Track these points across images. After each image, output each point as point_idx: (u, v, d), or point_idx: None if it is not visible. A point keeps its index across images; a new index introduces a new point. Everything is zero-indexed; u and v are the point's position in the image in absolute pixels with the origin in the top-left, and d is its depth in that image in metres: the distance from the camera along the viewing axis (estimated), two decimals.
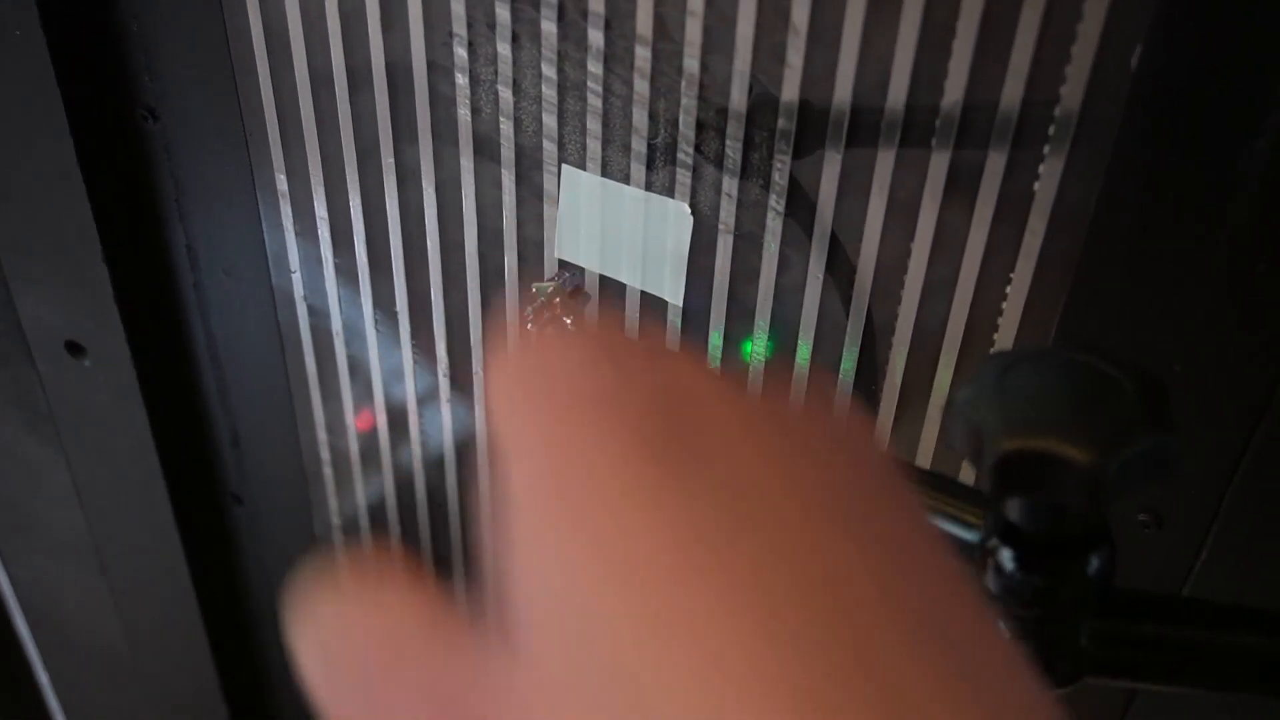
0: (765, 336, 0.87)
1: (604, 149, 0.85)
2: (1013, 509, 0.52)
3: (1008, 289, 0.76)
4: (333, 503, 1.22)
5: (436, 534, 1.17)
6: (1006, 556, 0.52)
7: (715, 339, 0.89)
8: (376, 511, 1.20)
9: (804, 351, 0.86)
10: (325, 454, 1.18)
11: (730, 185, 0.82)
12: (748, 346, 0.88)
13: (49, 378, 1.22)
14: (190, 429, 1.25)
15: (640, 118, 0.82)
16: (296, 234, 1.04)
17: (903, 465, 0.60)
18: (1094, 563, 0.52)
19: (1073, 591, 0.52)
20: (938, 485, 0.59)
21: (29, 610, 1.56)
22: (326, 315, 1.07)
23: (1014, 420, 0.48)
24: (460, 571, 1.19)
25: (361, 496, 1.20)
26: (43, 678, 1.65)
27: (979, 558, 0.54)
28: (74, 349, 1.17)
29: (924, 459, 0.86)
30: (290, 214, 1.03)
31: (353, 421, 1.14)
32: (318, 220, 1.01)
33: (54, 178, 1.04)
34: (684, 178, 0.83)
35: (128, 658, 1.50)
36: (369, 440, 1.15)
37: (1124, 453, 0.46)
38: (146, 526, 1.29)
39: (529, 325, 0.78)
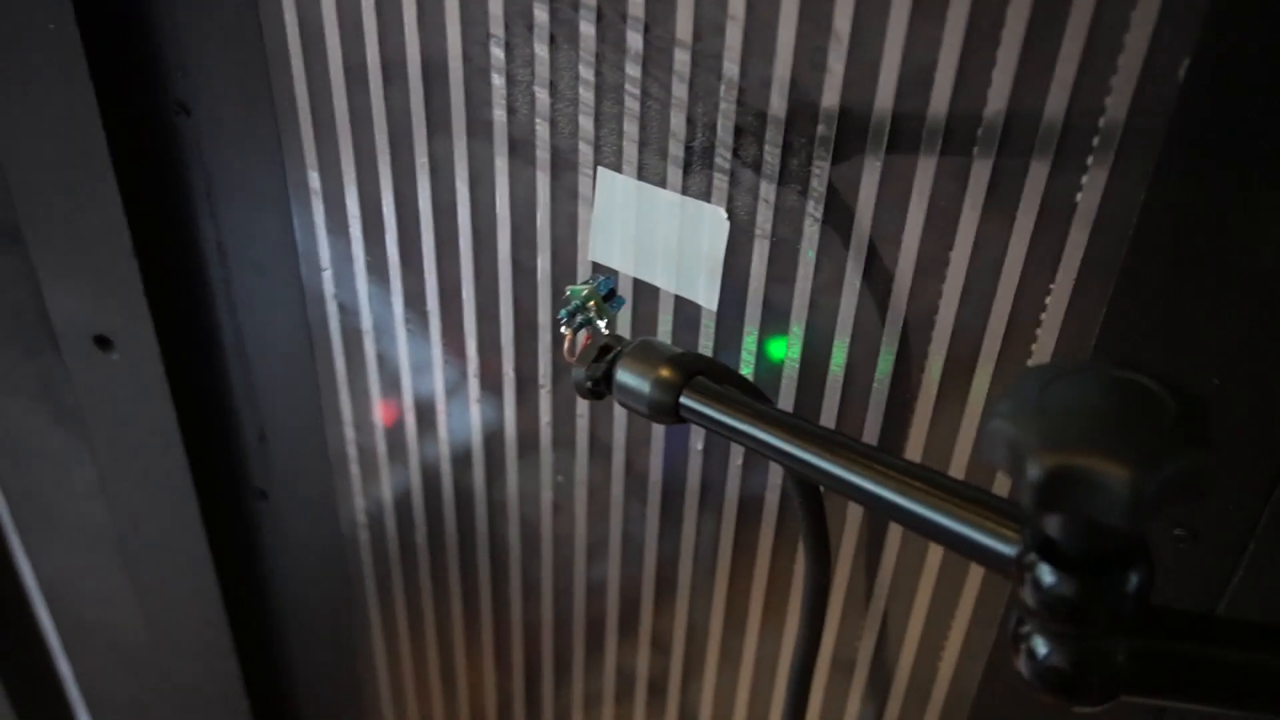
0: (800, 343, 0.87)
1: (640, 152, 0.85)
2: (1051, 525, 0.52)
3: (1047, 299, 0.76)
4: (358, 499, 1.22)
5: (463, 532, 1.17)
6: (1044, 571, 0.52)
7: (749, 344, 0.89)
8: (402, 508, 1.20)
9: (839, 358, 0.86)
10: (352, 450, 1.18)
11: (768, 190, 0.81)
12: (780, 351, 0.88)
13: (77, 371, 1.22)
14: (217, 424, 1.25)
15: (678, 121, 0.82)
16: (328, 231, 1.04)
17: (938, 476, 0.60)
18: (1132, 580, 0.52)
19: (1110, 608, 0.52)
20: (974, 498, 0.58)
21: (52, 602, 1.56)
22: (356, 313, 1.07)
23: (1053, 436, 0.47)
24: (486, 568, 1.19)
25: (387, 493, 1.20)
26: (65, 669, 1.66)
27: (1015, 572, 0.54)
28: (102, 343, 1.17)
29: (958, 468, 0.85)
30: (322, 211, 1.03)
31: (380, 419, 1.14)
32: (349, 218, 1.01)
33: (86, 172, 1.04)
34: (721, 182, 0.83)
35: (150, 650, 1.50)
36: (395, 437, 1.15)
37: (1164, 471, 0.45)
38: (171, 520, 1.29)
39: (562, 328, 0.78)
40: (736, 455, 0.96)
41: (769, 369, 0.90)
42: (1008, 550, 0.55)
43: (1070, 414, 0.48)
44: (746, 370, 0.90)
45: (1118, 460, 0.45)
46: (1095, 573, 0.51)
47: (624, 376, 0.74)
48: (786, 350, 0.88)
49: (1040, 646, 0.55)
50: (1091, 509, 0.46)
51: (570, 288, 0.78)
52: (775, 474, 0.96)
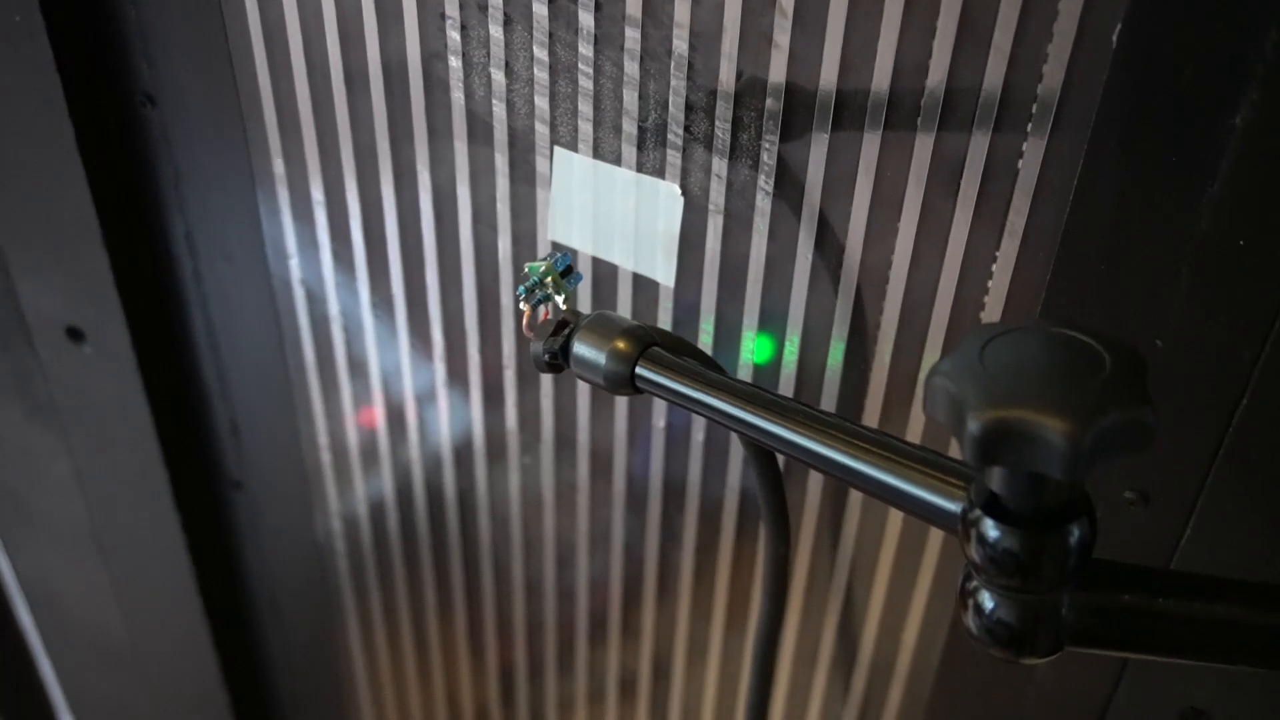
0: (756, 315, 0.88)
1: (595, 130, 0.86)
2: (994, 480, 0.53)
3: (993, 266, 0.77)
4: (332, 487, 1.23)
5: (435, 518, 1.18)
6: (989, 527, 0.53)
7: (707, 318, 0.90)
8: (376, 495, 1.21)
9: (795, 329, 0.87)
10: (323, 438, 1.19)
11: (720, 166, 0.82)
12: (738, 324, 0.89)
13: (50, 364, 1.22)
14: (190, 415, 1.26)
15: (631, 99, 0.83)
16: (294, 219, 1.04)
17: (886, 438, 0.61)
18: (1074, 533, 0.53)
19: (1054, 562, 0.53)
20: (921, 458, 0.60)
21: (31, 599, 1.56)
22: (324, 300, 1.08)
23: (992, 391, 0.48)
24: (458, 554, 1.20)
25: (361, 480, 1.20)
26: (45, 666, 1.66)
27: (962, 528, 0.55)
28: (74, 335, 1.18)
29: (914, 433, 0.87)
30: (287, 199, 1.03)
31: (351, 406, 1.15)
32: (314, 205, 1.02)
33: (54, 164, 1.04)
34: (674, 159, 0.84)
35: (129, 645, 1.50)
36: (366, 423, 1.15)
37: (1101, 422, 0.46)
38: (147, 513, 1.30)
39: (521, 304, 0.79)
40: (699, 429, 0.97)
41: (727, 342, 0.91)
42: (954, 507, 0.56)
43: (1009, 370, 0.49)
44: (705, 343, 0.91)
45: (1055, 413, 0.46)
46: (1038, 527, 0.52)
47: (580, 349, 0.75)
48: (744, 323, 0.89)
49: (987, 601, 0.56)
50: (1030, 462, 0.47)
51: (529, 265, 0.79)
52: (743, 469, 0.97)
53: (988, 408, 0.48)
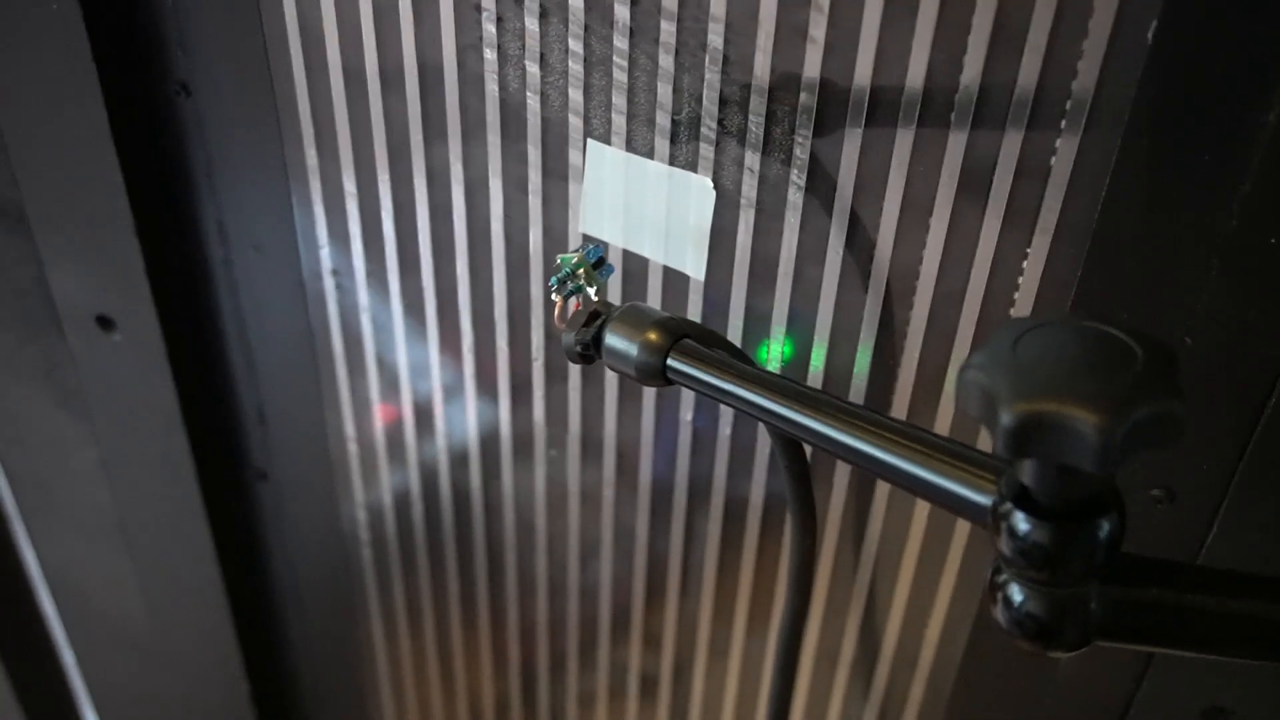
0: (786, 310, 0.88)
1: (629, 124, 0.86)
2: (1024, 472, 0.53)
3: (1024, 263, 0.77)
4: (357, 478, 1.23)
5: (460, 509, 1.19)
6: (1019, 520, 0.53)
7: (737, 311, 0.90)
8: (400, 487, 1.21)
9: (825, 323, 0.87)
10: (350, 429, 1.20)
11: (752, 160, 0.83)
12: (768, 317, 0.89)
13: (79, 352, 1.23)
14: (217, 404, 1.27)
15: (665, 92, 0.84)
16: (325, 210, 1.05)
17: (917, 431, 0.61)
18: (1104, 527, 0.53)
19: (1083, 555, 0.53)
20: (952, 450, 0.60)
21: (55, 588, 1.57)
22: (353, 291, 1.08)
23: (1024, 384, 0.49)
24: (482, 544, 1.20)
25: (386, 471, 1.21)
26: (67, 654, 1.66)
27: (992, 521, 0.55)
28: (104, 323, 1.18)
29: (943, 427, 0.87)
30: (320, 189, 1.04)
31: (378, 397, 1.15)
32: (346, 196, 1.03)
33: (87, 152, 1.05)
34: (707, 152, 0.84)
35: (151, 635, 1.51)
36: (393, 414, 1.16)
37: (1132, 415, 0.46)
38: (172, 502, 1.30)
39: (553, 295, 0.79)
40: (726, 424, 0.98)
41: (757, 336, 0.91)
42: (984, 500, 0.57)
43: (1041, 364, 0.50)
44: (735, 337, 0.92)
45: (1087, 406, 0.47)
46: (1068, 520, 0.53)
47: (612, 340, 0.75)
48: (773, 318, 0.89)
49: (1016, 594, 0.56)
50: (1062, 455, 0.48)
51: (560, 256, 0.80)
52: (768, 470, 0.97)
53: (1020, 400, 0.48)
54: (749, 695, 1.14)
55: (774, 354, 0.91)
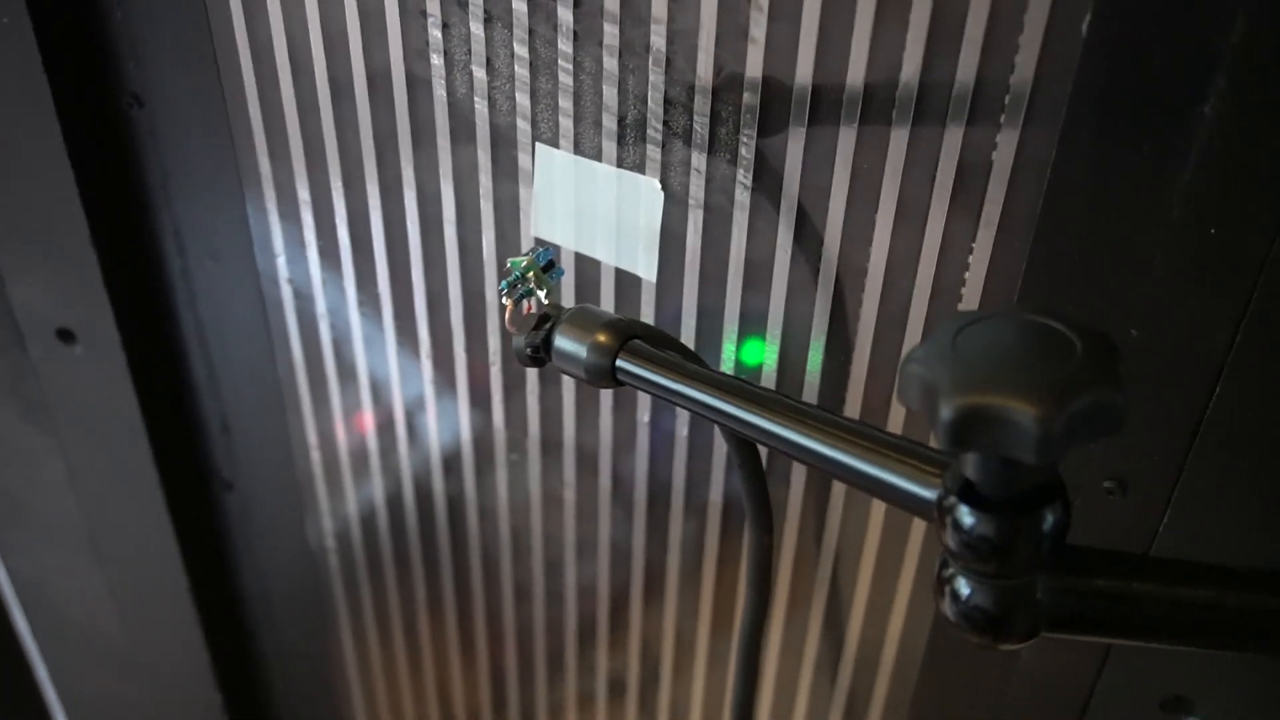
0: (738, 309, 0.88)
1: (576, 126, 0.87)
2: (967, 465, 0.53)
3: (970, 257, 0.77)
4: (322, 486, 1.23)
5: (424, 513, 1.18)
6: (963, 512, 0.54)
7: (689, 312, 0.90)
8: (366, 493, 1.21)
9: (776, 322, 0.88)
10: (314, 438, 1.20)
11: (699, 160, 0.83)
12: (720, 317, 0.90)
13: (41, 365, 1.22)
14: (181, 415, 1.26)
15: (610, 95, 0.84)
16: (281, 218, 1.05)
17: (863, 427, 0.61)
18: (1048, 518, 0.53)
19: (1028, 546, 0.53)
20: (897, 445, 0.60)
21: (25, 600, 1.56)
22: (311, 298, 1.08)
23: (964, 377, 0.49)
24: (446, 547, 1.20)
25: (351, 479, 1.21)
26: (40, 667, 1.66)
27: (937, 515, 0.55)
28: (65, 336, 1.18)
29: (895, 423, 0.87)
30: (274, 198, 1.04)
31: (340, 404, 1.15)
32: (301, 204, 1.03)
33: (42, 165, 1.05)
34: (654, 154, 0.84)
35: (124, 646, 1.50)
36: (355, 422, 1.16)
37: (1070, 406, 0.47)
38: (139, 513, 1.30)
39: (503, 299, 0.80)
40: (684, 424, 0.98)
41: (710, 335, 0.91)
42: (930, 494, 0.57)
43: (981, 357, 0.50)
44: (688, 337, 0.92)
45: (1025, 398, 0.47)
46: (1012, 512, 0.53)
47: (562, 342, 0.76)
48: (725, 316, 0.89)
49: (964, 587, 0.56)
50: (1003, 447, 0.48)
51: (511, 260, 0.80)
52: (726, 469, 0.97)
53: (959, 393, 0.48)
54: (715, 695, 1.14)
55: (728, 353, 0.91)
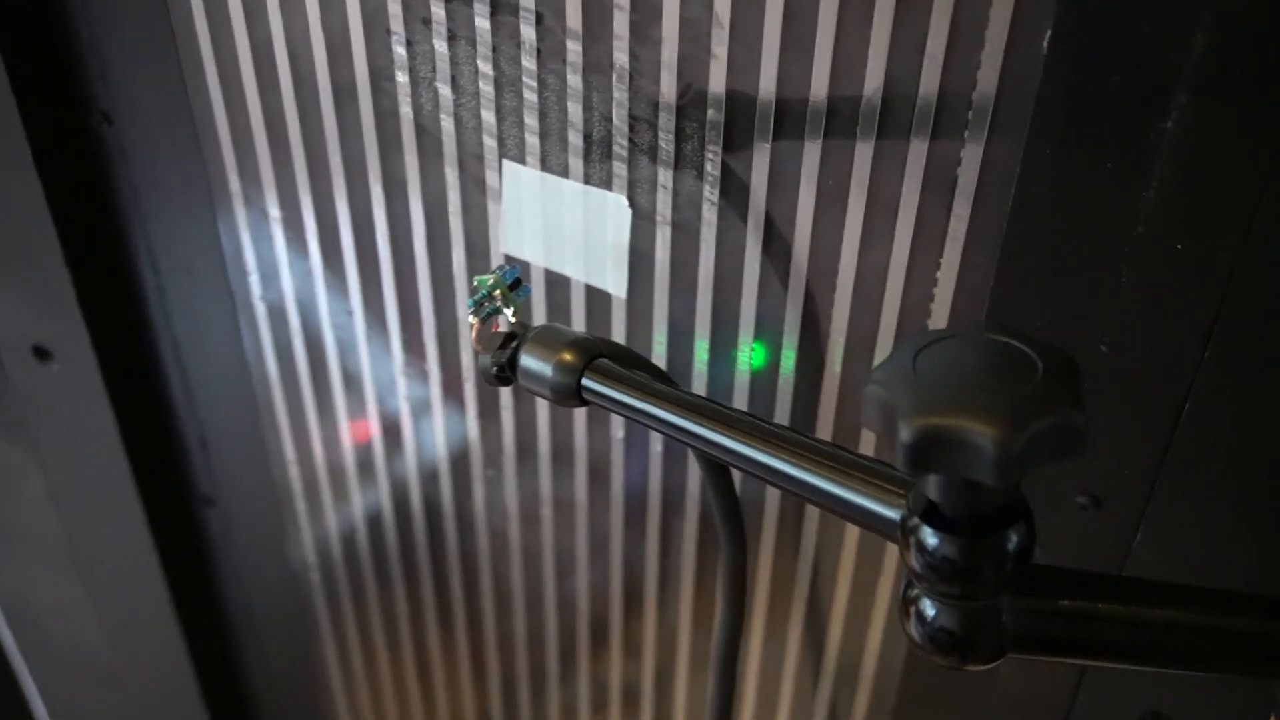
0: (708, 325, 0.88)
1: (542, 143, 0.86)
2: (930, 487, 0.53)
3: (938, 273, 0.77)
4: (302, 502, 1.23)
5: (402, 526, 1.18)
6: (926, 534, 0.53)
7: (660, 329, 0.90)
8: (345, 507, 1.21)
9: (745, 340, 0.87)
10: (292, 454, 1.19)
11: (665, 177, 0.83)
12: (690, 334, 0.89)
13: (19, 383, 1.22)
14: (159, 431, 1.26)
15: (575, 112, 0.83)
16: (251, 235, 1.05)
17: (829, 448, 0.61)
18: (1012, 539, 0.53)
19: (992, 567, 0.53)
20: (863, 467, 0.60)
21: (10, 616, 1.56)
22: (284, 315, 1.08)
23: (923, 399, 0.48)
24: (426, 559, 1.20)
25: (330, 494, 1.21)
26: (28, 682, 1.66)
27: (901, 536, 0.55)
28: (41, 354, 1.18)
29: (867, 443, 0.87)
30: (244, 214, 1.04)
31: (317, 419, 1.15)
32: (271, 221, 1.02)
33: (12, 184, 1.05)
34: (621, 170, 0.84)
35: (109, 661, 1.50)
36: (332, 436, 1.15)
37: (1029, 427, 0.46)
38: (120, 530, 1.30)
39: (470, 318, 0.79)
40: (656, 440, 0.98)
41: (680, 352, 0.91)
42: (894, 515, 0.57)
43: (941, 378, 0.50)
44: (659, 354, 0.91)
45: (984, 419, 0.47)
46: (975, 533, 0.53)
47: (527, 361, 0.75)
48: (695, 333, 0.89)
49: (929, 609, 0.56)
50: (963, 469, 0.47)
51: (477, 278, 0.79)
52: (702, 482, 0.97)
53: (919, 415, 0.48)
54: (697, 708, 1.14)
55: (699, 369, 0.91)
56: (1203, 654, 0.58)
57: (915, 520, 0.54)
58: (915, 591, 0.57)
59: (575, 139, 0.84)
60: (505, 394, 1.02)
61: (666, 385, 0.71)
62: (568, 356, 0.73)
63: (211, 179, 1.03)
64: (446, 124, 0.89)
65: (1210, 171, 0.63)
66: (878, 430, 0.50)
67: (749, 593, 0.99)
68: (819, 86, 0.74)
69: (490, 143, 0.88)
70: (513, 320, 0.79)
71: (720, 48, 0.75)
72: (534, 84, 0.84)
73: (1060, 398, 0.48)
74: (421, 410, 1.08)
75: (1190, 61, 0.61)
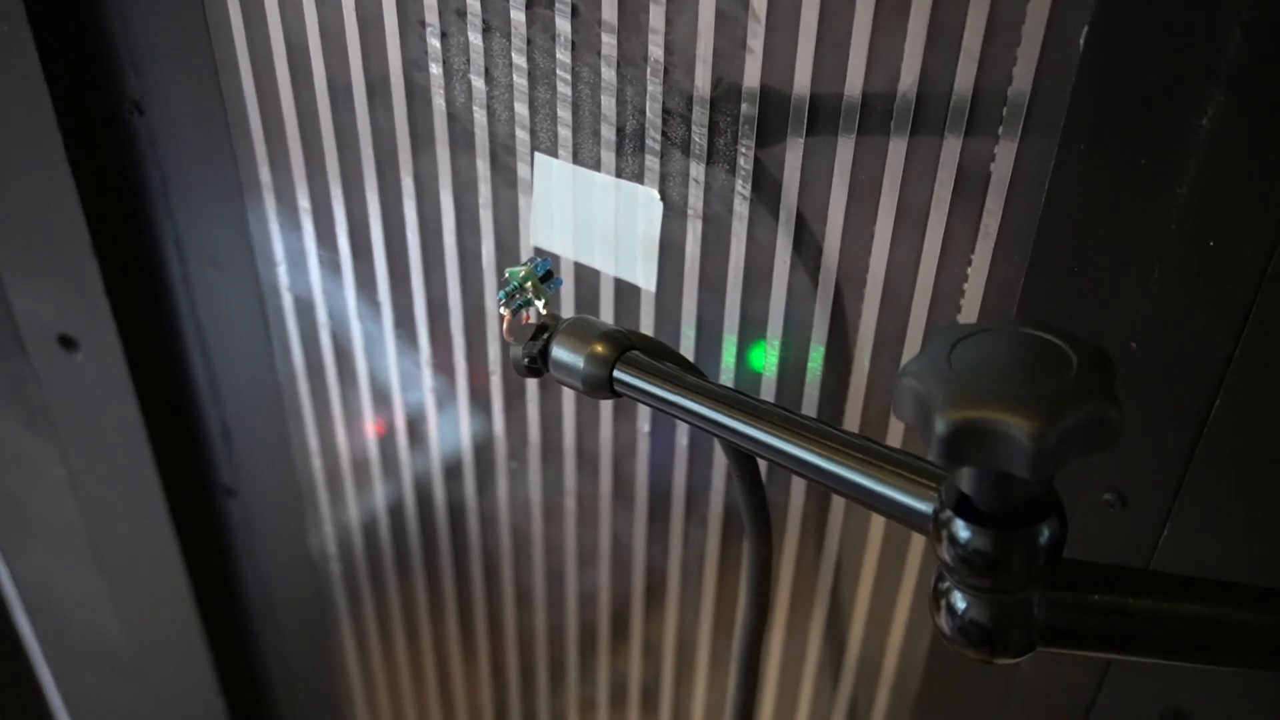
0: (737, 320, 0.88)
1: (575, 136, 0.86)
2: (963, 479, 0.53)
3: (969, 269, 0.77)
4: (323, 492, 1.23)
5: (425, 520, 1.18)
6: (959, 526, 0.53)
7: (689, 322, 0.90)
8: (367, 499, 1.21)
9: (775, 333, 0.87)
10: (315, 444, 1.20)
11: (697, 171, 0.83)
12: (719, 327, 0.89)
13: (43, 372, 1.23)
14: (182, 422, 1.26)
15: (608, 105, 0.84)
16: (280, 226, 1.05)
17: (860, 440, 0.61)
18: (1044, 532, 0.53)
19: (1023, 561, 0.53)
20: (894, 459, 0.60)
21: (29, 605, 1.57)
22: (312, 306, 1.08)
23: (958, 391, 0.48)
24: (448, 553, 1.20)
25: (352, 485, 1.21)
26: (44, 672, 1.66)
27: (933, 529, 0.55)
28: (67, 343, 1.18)
29: (895, 435, 0.87)
30: (274, 206, 1.04)
31: (341, 411, 1.15)
32: (301, 212, 1.03)
33: (43, 173, 1.05)
34: (653, 164, 0.84)
35: (127, 652, 1.51)
36: (356, 428, 1.16)
37: (1064, 421, 0.46)
38: (141, 520, 1.30)
39: (501, 309, 0.79)
40: (683, 433, 0.98)
41: (709, 346, 0.91)
42: (925, 508, 0.57)
43: (976, 371, 0.50)
44: (687, 347, 0.91)
45: (1019, 412, 0.47)
46: (1008, 526, 0.53)
47: (559, 353, 0.75)
48: (724, 327, 0.89)
49: (959, 602, 0.56)
50: (997, 461, 0.47)
51: (509, 270, 0.80)
52: (727, 478, 0.97)
53: (954, 408, 0.48)
54: (717, 702, 1.14)
55: (727, 363, 0.91)
56: (1232, 648, 0.58)
57: (948, 513, 0.54)
58: (946, 584, 0.57)
59: (608, 132, 0.85)
60: (530, 386, 1.02)
61: (697, 378, 0.71)
62: (600, 349, 0.74)
63: (241, 170, 1.03)
64: (479, 116, 0.89)
65: (1244, 168, 0.63)
66: (911, 423, 0.51)
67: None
68: (853, 82, 0.74)
69: (522, 135, 0.88)
70: (543, 312, 0.79)
71: (755, 41, 0.76)
72: (568, 76, 0.84)
73: (1095, 391, 0.48)
74: (446, 403, 1.08)
75: (1225, 58, 0.61)
